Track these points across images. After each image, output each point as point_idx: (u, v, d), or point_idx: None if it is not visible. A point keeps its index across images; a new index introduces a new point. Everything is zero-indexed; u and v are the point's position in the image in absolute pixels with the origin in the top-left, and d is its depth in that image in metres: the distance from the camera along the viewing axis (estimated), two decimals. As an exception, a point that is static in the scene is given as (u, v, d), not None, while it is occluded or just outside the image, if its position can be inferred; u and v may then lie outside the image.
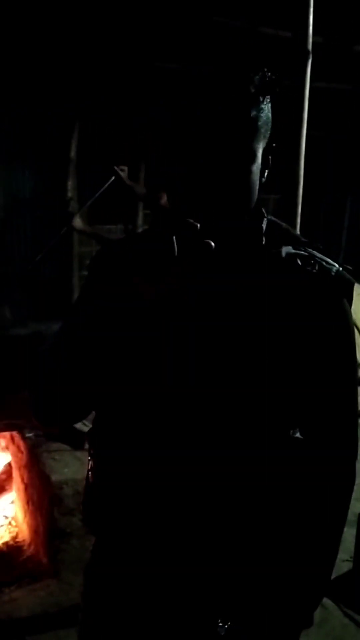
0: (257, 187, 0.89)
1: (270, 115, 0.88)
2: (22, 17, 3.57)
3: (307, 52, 1.86)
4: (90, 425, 1.01)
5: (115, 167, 3.10)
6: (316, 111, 2.09)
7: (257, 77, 0.84)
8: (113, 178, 3.12)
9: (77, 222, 3.17)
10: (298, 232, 1.63)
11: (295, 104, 1.94)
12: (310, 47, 1.86)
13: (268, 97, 0.86)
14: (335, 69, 4.00)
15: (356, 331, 0.99)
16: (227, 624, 0.93)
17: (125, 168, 3.13)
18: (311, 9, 1.85)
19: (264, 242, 0.93)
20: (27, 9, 3.53)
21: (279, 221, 0.99)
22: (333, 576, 1.00)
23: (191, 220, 0.75)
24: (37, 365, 0.94)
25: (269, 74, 0.85)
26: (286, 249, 0.93)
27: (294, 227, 2.03)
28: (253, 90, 0.83)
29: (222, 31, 3.68)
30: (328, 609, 2.35)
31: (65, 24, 3.62)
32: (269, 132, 0.89)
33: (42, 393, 0.94)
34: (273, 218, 0.98)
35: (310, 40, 1.86)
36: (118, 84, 4.08)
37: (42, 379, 0.93)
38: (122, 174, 3.10)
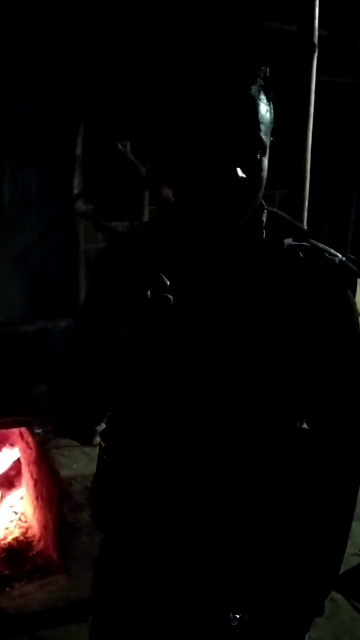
0: (264, 182, 0.88)
1: (272, 112, 0.87)
2: (26, 11, 3.57)
3: (313, 45, 1.85)
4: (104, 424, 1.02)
5: (118, 144, 3.05)
6: (320, 105, 2.08)
7: (258, 76, 0.83)
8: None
9: (79, 204, 3.08)
10: (305, 226, 1.63)
11: (301, 99, 1.93)
12: (316, 40, 1.85)
13: (270, 94, 0.86)
14: (339, 63, 3.97)
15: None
16: (238, 614, 0.94)
17: (127, 143, 3.08)
18: (317, 2, 1.84)
19: (264, 235, 0.93)
20: (31, 3, 3.52)
21: (279, 212, 0.98)
22: (342, 570, 1.01)
23: (163, 278, 0.73)
24: (53, 377, 0.97)
25: (269, 70, 0.85)
26: (288, 241, 0.93)
27: (301, 222, 2.02)
28: (254, 91, 0.82)
29: (226, 26, 3.66)
30: (337, 603, 2.35)
31: (70, 20, 3.62)
32: (270, 129, 0.88)
33: (60, 401, 0.96)
34: (273, 209, 0.97)
35: (317, 33, 1.85)
36: (122, 81, 4.07)
37: (59, 388, 0.96)
38: (124, 149, 3.05)
